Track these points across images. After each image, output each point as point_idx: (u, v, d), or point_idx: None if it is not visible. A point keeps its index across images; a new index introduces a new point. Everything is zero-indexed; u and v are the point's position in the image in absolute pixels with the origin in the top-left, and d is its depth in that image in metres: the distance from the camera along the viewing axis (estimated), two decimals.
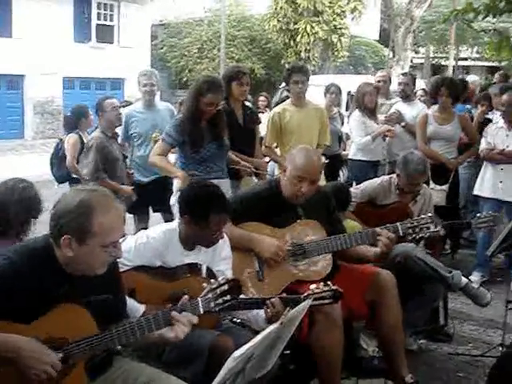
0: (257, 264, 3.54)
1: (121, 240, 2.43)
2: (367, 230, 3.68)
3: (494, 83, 7.81)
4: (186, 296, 2.50)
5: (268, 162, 6.02)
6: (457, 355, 4.39)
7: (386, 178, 4.75)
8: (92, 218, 2.26)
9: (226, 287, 2.50)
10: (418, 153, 4.74)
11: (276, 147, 5.77)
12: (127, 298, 2.71)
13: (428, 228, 3.66)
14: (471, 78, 8.66)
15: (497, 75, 8.14)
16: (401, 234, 3.65)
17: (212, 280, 2.60)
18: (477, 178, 6.18)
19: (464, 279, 4.30)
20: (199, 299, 2.47)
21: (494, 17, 6.92)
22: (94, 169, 5.20)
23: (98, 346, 2.31)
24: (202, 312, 2.46)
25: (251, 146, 5.39)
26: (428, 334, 4.57)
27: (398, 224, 3.66)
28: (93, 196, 2.32)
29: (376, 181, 4.78)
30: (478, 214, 4.38)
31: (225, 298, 2.48)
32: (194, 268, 3.05)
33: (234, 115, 5.26)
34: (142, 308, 2.80)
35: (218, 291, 2.50)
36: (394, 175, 4.65)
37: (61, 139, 6.60)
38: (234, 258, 3.39)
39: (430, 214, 3.73)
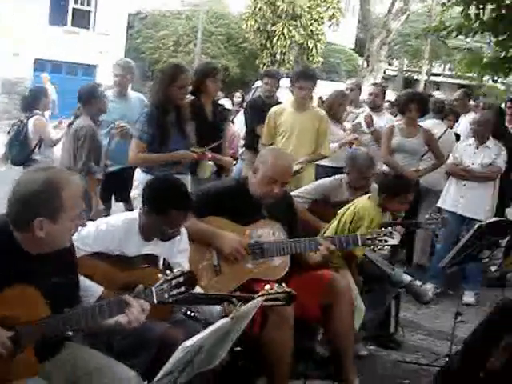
0: (215, 258, 3.56)
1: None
2: (310, 239, 3.73)
3: (456, 100, 7.94)
4: (141, 285, 2.52)
5: (235, 162, 6.04)
6: (405, 363, 4.48)
7: (336, 177, 4.87)
8: (61, 194, 2.29)
9: (181, 279, 2.51)
10: (363, 149, 4.88)
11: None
12: (86, 279, 2.72)
13: (386, 241, 3.76)
14: (438, 95, 8.83)
15: (459, 92, 8.27)
16: (359, 245, 3.75)
17: (168, 271, 2.61)
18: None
19: (407, 277, 4.42)
20: (153, 288, 2.48)
21: (465, 36, 7.08)
22: (87, 160, 5.15)
23: (50, 328, 2.31)
24: (155, 302, 2.47)
25: (218, 142, 5.39)
26: (378, 340, 4.66)
27: (357, 234, 3.76)
28: (53, 174, 2.36)
29: (327, 180, 4.92)
30: (427, 216, 4.53)
31: (179, 290, 2.50)
32: (151, 259, 3.06)
33: (204, 111, 5.25)
34: (100, 290, 2.80)
35: (173, 282, 2.51)
36: (344, 175, 4.75)
37: (21, 121, 6.48)
38: (193, 251, 3.42)
39: (389, 228, 3.83)
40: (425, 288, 4.54)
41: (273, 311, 3.21)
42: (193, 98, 5.23)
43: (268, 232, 3.65)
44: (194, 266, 3.37)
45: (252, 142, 6.48)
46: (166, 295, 2.50)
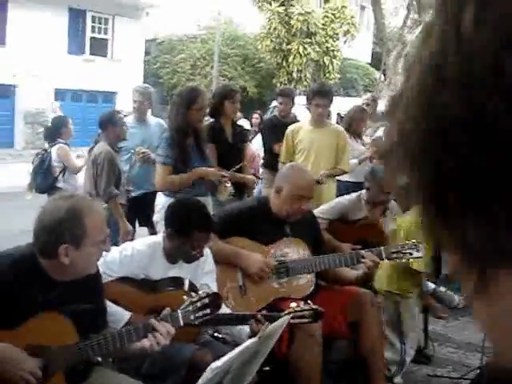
0: (240, 279, 3.57)
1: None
2: (351, 252, 3.74)
3: None
4: (168, 308, 2.54)
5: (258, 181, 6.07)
6: (436, 377, 4.43)
7: (354, 194, 4.81)
8: (84, 221, 2.35)
9: (206, 300, 2.53)
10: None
11: None
12: (113, 304, 2.75)
13: (411, 254, 3.73)
14: None
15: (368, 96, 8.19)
16: (383, 258, 3.72)
17: (193, 293, 2.63)
18: None
19: (431, 284, 4.37)
20: (179, 311, 2.50)
21: None
22: (108, 184, 5.21)
23: (79, 354, 2.33)
24: (181, 324, 2.49)
25: (239, 163, 5.44)
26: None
27: (381, 248, 3.73)
28: (76, 201, 2.43)
29: (345, 198, 4.84)
30: None
31: (205, 312, 2.51)
32: (176, 282, 3.08)
33: (224, 132, 5.33)
34: (127, 315, 2.83)
35: (199, 304, 2.53)
36: (363, 191, 4.74)
37: (45, 150, 6.60)
38: (219, 272, 3.43)
39: (413, 241, 3.79)
40: (450, 294, 4.46)
41: (300, 329, 3.21)
42: (212, 120, 5.29)
43: (292, 250, 3.66)
44: (220, 288, 3.38)
45: (271, 161, 6.51)
46: (192, 317, 2.52)
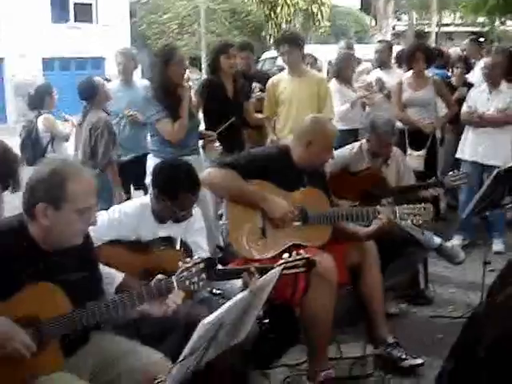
0: (261, 221, 3.56)
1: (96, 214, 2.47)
2: (369, 208, 3.71)
3: (465, 50, 7.78)
4: (161, 275, 2.54)
5: None
6: (437, 317, 4.46)
7: (356, 144, 4.75)
8: (65, 185, 2.32)
9: (201, 265, 2.53)
10: (384, 114, 4.75)
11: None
12: (105, 266, 2.74)
13: (420, 215, 3.69)
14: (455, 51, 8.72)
15: (467, 40, 8.10)
16: (397, 217, 3.68)
17: (187, 259, 2.62)
18: (456, 142, 6.22)
19: (437, 240, 4.36)
20: (173, 278, 2.50)
21: None
22: (107, 150, 5.23)
23: (71, 324, 2.33)
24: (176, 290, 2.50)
25: (240, 119, 5.41)
26: (409, 297, 4.63)
27: (396, 207, 3.70)
28: (64, 165, 2.41)
29: (346, 148, 4.76)
30: (450, 173, 4.44)
31: (200, 277, 2.51)
32: (168, 241, 3.07)
33: (224, 88, 5.31)
34: (120, 276, 2.81)
35: (194, 269, 2.53)
36: (364, 140, 4.67)
37: (31, 121, 6.53)
38: (238, 211, 3.51)
39: (424, 205, 3.73)
40: (457, 249, 4.46)
41: (317, 276, 3.20)
42: (211, 76, 5.32)
43: (311, 199, 3.67)
44: (238, 227, 3.46)
45: None
46: (188, 283, 2.52)
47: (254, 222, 3.56)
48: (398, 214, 3.66)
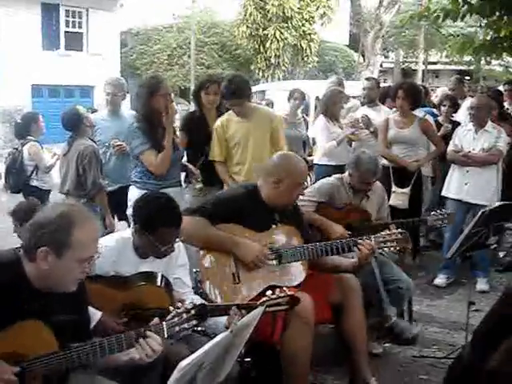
0: (233, 266, 3.51)
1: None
2: (347, 240, 3.69)
3: (452, 89, 7.88)
4: (156, 319, 2.50)
5: None
6: (421, 358, 4.40)
7: (337, 176, 4.71)
8: (71, 232, 2.29)
9: (192, 312, 2.49)
10: (369, 152, 4.72)
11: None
12: None
13: (397, 242, 3.70)
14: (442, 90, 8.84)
15: (453, 79, 8.20)
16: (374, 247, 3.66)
17: (179, 304, 2.58)
18: (443, 179, 6.26)
19: (394, 313, 4.33)
20: (164, 323, 2.46)
21: (454, 21, 7.01)
22: (96, 178, 5.23)
23: (56, 363, 2.29)
24: (165, 336, 2.46)
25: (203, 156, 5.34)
26: (392, 337, 4.58)
27: (371, 236, 3.68)
28: (72, 210, 2.38)
29: (328, 180, 4.72)
30: (433, 212, 4.44)
31: (190, 323, 2.48)
32: (148, 276, 3.01)
33: (206, 122, 5.32)
34: (98, 314, 2.76)
35: (184, 316, 2.49)
36: (346, 173, 4.66)
37: (16, 148, 6.50)
38: (213, 259, 3.46)
39: (401, 230, 3.75)
40: (408, 325, 4.47)
41: (294, 315, 3.17)
42: (194, 110, 5.40)
43: (283, 237, 3.63)
44: (214, 274, 3.41)
45: None
46: (177, 329, 2.48)
47: (227, 268, 3.51)
48: (373, 242, 3.63)
